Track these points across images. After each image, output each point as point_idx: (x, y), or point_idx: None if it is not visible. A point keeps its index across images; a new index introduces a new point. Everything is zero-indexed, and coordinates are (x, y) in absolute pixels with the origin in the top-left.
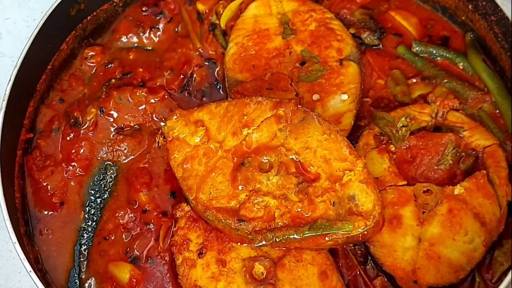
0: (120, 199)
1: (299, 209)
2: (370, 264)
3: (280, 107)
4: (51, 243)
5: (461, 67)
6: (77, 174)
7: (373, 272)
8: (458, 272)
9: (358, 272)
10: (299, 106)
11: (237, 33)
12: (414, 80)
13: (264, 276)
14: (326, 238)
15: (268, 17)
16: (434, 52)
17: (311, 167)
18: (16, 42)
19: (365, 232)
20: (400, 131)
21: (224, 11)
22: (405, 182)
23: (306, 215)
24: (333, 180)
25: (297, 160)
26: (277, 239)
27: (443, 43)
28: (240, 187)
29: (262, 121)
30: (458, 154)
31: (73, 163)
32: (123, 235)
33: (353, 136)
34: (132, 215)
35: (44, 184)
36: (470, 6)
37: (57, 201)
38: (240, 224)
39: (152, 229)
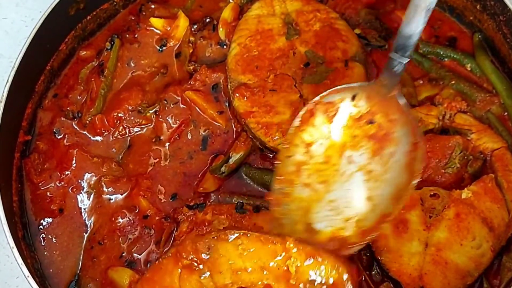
0: (119, 204)
1: None
2: (375, 270)
3: (181, 257)
4: (54, 248)
5: (469, 68)
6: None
7: (378, 278)
8: (465, 278)
9: (363, 278)
10: (189, 242)
11: (239, 34)
12: (421, 82)
13: None
14: None
15: (271, 17)
16: (441, 53)
17: (257, 285)
18: (14, 42)
19: None
20: None
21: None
22: None
23: None
24: (284, 279)
25: None
26: None
27: (450, 43)
28: None
29: (179, 282)
30: (465, 157)
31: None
32: (120, 239)
33: None
34: (129, 218)
35: (43, 188)
36: (478, 6)
37: (55, 208)
38: None
39: (152, 233)
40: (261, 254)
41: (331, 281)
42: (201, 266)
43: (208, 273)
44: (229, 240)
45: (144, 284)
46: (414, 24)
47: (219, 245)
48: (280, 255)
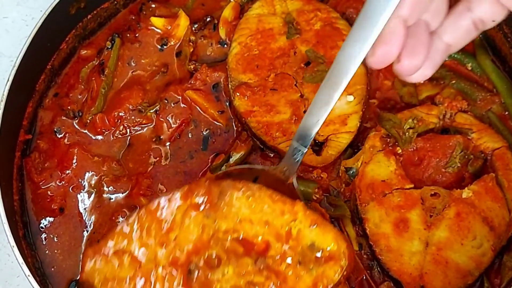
0: (119, 203)
1: (272, 287)
2: (376, 269)
3: (192, 195)
4: (56, 247)
5: (470, 68)
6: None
7: (379, 277)
8: (466, 277)
9: (364, 277)
10: (206, 182)
11: (240, 33)
12: (422, 81)
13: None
14: None
15: (272, 17)
16: None
17: (256, 238)
18: (14, 41)
19: (344, 273)
20: (407, 133)
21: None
22: (412, 185)
23: None
24: (284, 239)
25: (240, 238)
26: None
27: None
28: None
29: (182, 217)
30: (466, 156)
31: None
32: None
33: (359, 138)
34: None
35: (43, 187)
36: None
37: (56, 207)
38: None
39: None
40: (269, 210)
41: (328, 251)
42: (207, 206)
43: (213, 215)
44: (242, 190)
45: (148, 214)
46: (315, 117)
47: (232, 192)
48: (287, 216)
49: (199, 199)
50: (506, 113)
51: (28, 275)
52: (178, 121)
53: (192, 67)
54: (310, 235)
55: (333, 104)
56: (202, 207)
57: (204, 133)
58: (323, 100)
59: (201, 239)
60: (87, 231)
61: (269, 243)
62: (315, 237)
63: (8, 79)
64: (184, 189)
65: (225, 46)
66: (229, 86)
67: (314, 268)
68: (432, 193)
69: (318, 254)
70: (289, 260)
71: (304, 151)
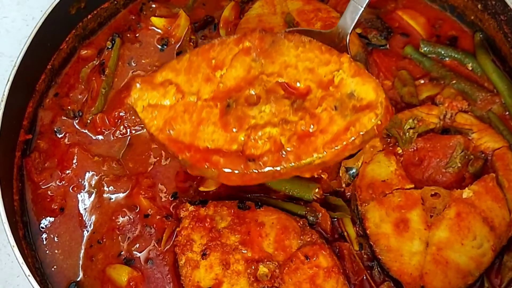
0: (120, 203)
1: (303, 127)
2: (376, 269)
3: (245, 40)
4: (56, 247)
5: (470, 68)
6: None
7: (379, 277)
8: (466, 277)
9: (364, 277)
10: (262, 31)
11: (241, 33)
12: (422, 81)
13: (269, 278)
14: (344, 143)
15: (272, 16)
16: (442, 52)
17: (298, 83)
18: (14, 41)
19: (379, 122)
20: (407, 133)
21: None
22: (412, 185)
23: (312, 130)
24: (325, 86)
25: (282, 81)
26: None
27: (451, 43)
28: (234, 130)
29: (232, 59)
30: (466, 156)
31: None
32: (119, 238)
33: None
34: (129, 217)
35: (44, 187)
36: (479, 6)
37: (56, 207)
38: (252, 164)
39: (152, 232)
40: (316, 59)
41: (367, 100)
42: (258, 52)
43: (261, 60)
44: (293, 41)
45: (200, 53)
46: None
47: (283, 42)
48: (332, 65)
49: (251, 44)
50: (507, 113)
51: (28, 275)
52: None
53: None
54: (351, 85)
55: None
56: (252, 52)
57: None
58: None
59: (245, 79)
60: (87, 231)
61: (310, 89)
62: (355, 86)
63: (8, 79)
64: (238, 34)
65: None
66: None
67: (349, 115)
68: (433, 193)
69: (356, 103)
70: (326, 104)
71: (361, 10)
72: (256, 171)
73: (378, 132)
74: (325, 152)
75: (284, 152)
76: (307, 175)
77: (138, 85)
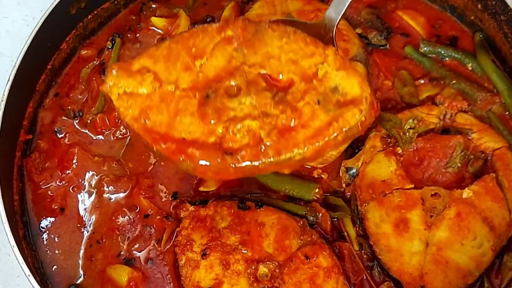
0: (120, 203)
1: (284, 121)
2: (376, 269)
3: (228, 28)
4: (56, 247)
5: (470, 68)
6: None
7: (379, 277)
8: (466, 277)
9: (364, 277)
10: (244, 20)
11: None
12: (422, 81)
13: (269, 278)
14: (326, 138)
15: (272, 17)
16: (442, 52)
17: (280, 75)
18: (15, 41)
19: (363, 118)
20: (407, 133)
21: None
22: (412, 185)
23: (293, 124)
24: (308, 79)
25: (264, 73)
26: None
27: (451, 43)
28: (212, 121)
29: (213, 48)
30: (466, 156)
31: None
32: (119, 238)
33: (359, 138)
34: (129, 217)
35: (44, 187)
36: (479, 6)
37: (56, 207)
38: (229, 158)
39: (152, 232)
40: (300, 51)
41: (351, 95)
42: (240, 41)
43: (243, 50)
44: (277, 31)
45: (180, 41)
46: None
47: (266, 31)
48: (316, 57)
49: (233, 33)
50: (507, 113)
51: (28, 275)
52: None
53: None
54: (335, 78)
55: None
56: (235, 41)
57: None
58: None
59: (225, 69)
60: (87, 231)
61: (292, 82)
62: (340, 80)
63: (8, 79)
64: (220, 22)
65: None
66: None
67: (332, 110)
68: (433, 193)
69: (340, 98)
70: (308, 98)
71: (348, 2)
72: (233, 166)
73: (362, 128)
74: (306, 148)
75: (263, 147)
76: (286, 171)
77: (114, 71)
